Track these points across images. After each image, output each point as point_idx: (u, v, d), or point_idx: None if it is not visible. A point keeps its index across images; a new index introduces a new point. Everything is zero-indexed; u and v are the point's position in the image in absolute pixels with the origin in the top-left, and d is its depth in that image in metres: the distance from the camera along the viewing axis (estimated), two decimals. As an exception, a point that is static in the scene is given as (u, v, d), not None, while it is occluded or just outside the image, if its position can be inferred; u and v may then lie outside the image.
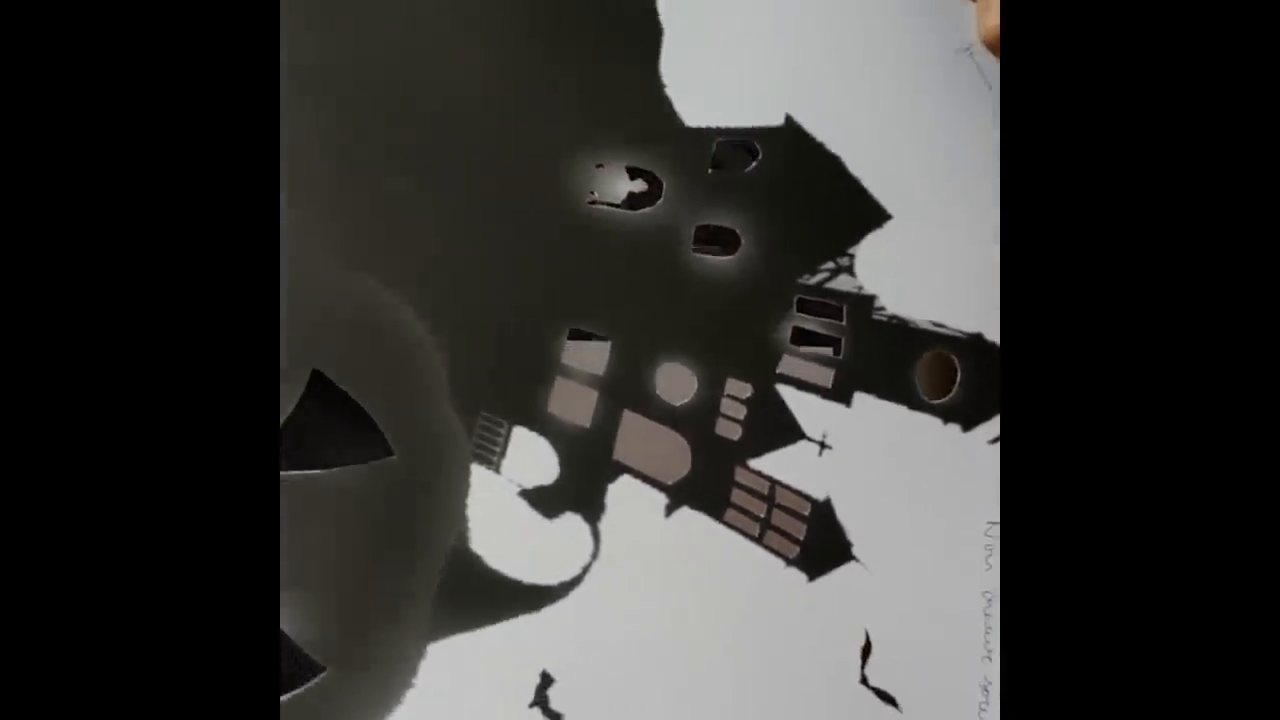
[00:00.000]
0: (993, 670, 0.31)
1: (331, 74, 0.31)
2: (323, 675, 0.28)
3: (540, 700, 0.29)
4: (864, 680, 0.30)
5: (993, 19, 0.34)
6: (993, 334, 0.33)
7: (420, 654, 0.28)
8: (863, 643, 0.31)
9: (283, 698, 0.27)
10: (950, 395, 0.32)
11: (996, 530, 0.32)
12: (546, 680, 0.29)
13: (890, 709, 0.30)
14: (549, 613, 0.29)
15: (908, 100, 0.33)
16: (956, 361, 0.32)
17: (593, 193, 0.32)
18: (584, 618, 0.29)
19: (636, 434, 0.31)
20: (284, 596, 0.28)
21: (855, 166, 0.33)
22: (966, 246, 0.33)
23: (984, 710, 0.31)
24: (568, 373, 0.31)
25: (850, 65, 0.33)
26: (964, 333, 0.33)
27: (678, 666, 0.29)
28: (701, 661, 0.30)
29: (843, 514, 0.31)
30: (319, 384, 0.30)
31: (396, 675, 0.28)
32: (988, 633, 0.31)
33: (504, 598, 0.29)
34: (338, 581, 0.29)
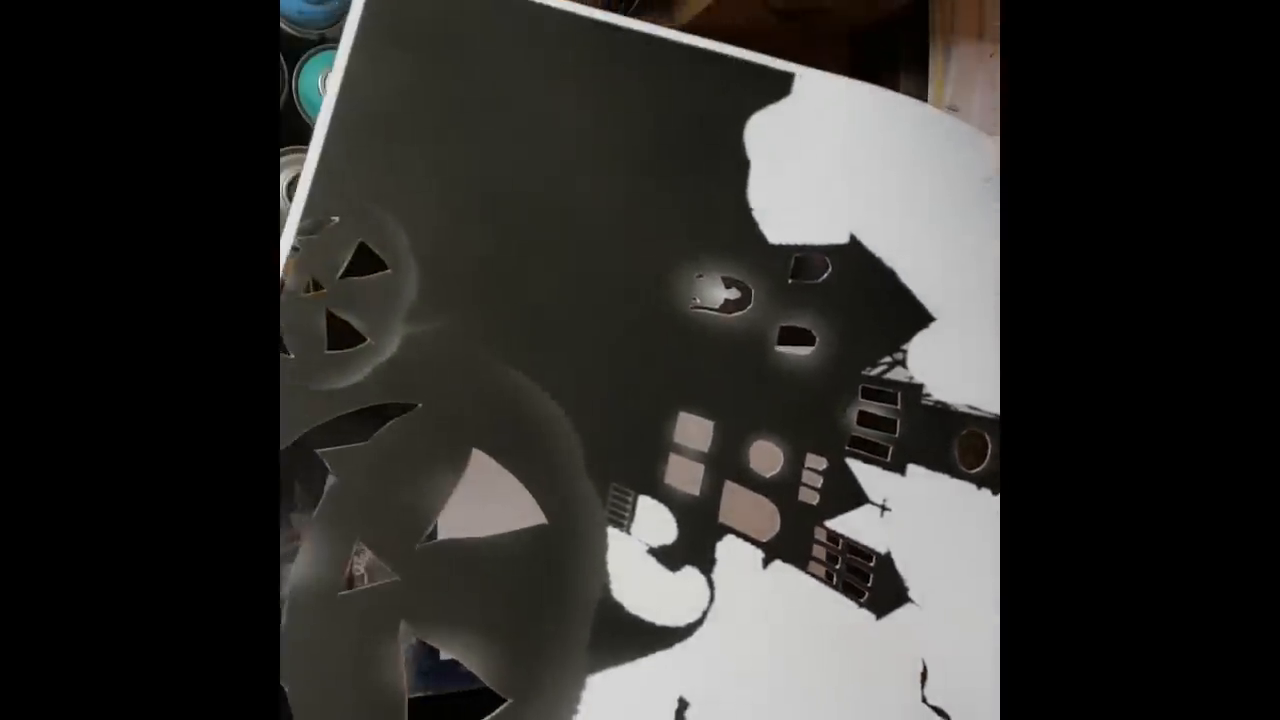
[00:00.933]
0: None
1: (495, 204, 0.38)
2: (505, 705, 0.34)
3: (678, 721, 0.35)
4: (924, 699, 0.38)
5: None
6: (1015, 415, 0.40)
7: (581, 685, 0.35)
8: (920, 667, 0.38)
9: None
10: (984, 465, 0.40)
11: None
12: (683, 704, 0.35)
13: (944, 722, 0.38)
14: (679, 649, 0.36)
15: (947, 220, 0.41)
16: (987, 438, 0.40)
17: (695, 298, 0.39)
18: (707, 652, 0.36)
19: (736, 500, 0.38)
20: (460, 640, 0.34)
21: (905, 276, 0.40)
22: (990, 339, 0.41)
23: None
24: (680, 450, 0.38)
25: (902, 191, 0.41)
26: (994, 414, 0.40)
27: (782, 687, 0.36)
28: (800, 681, 0.37)
29: (900, 565, 0.39)
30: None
31: (562, 703, 0.34)
32: (1017, 658, 0.39)
33: (643, 638, 0.36)
34: (506, 627, 0.35)
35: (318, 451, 0.35)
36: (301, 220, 0.37)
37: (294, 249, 0.37)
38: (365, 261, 0.37)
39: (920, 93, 0.51)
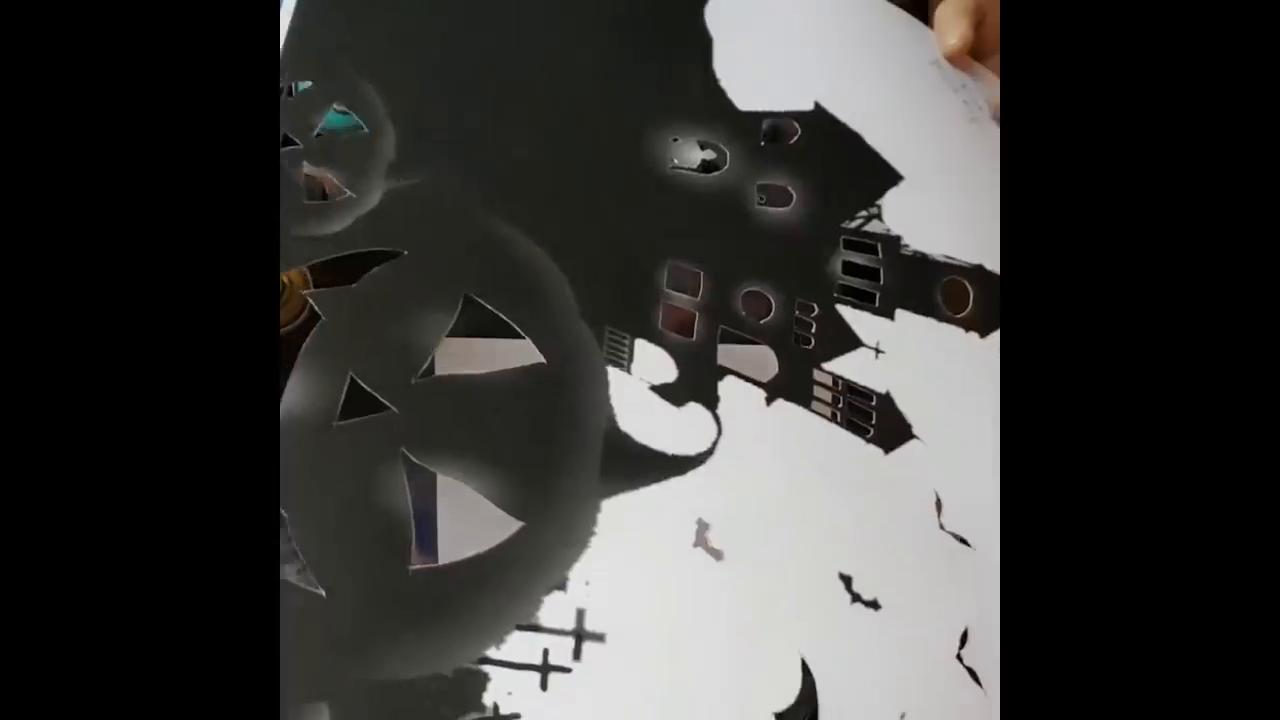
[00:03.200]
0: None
1: (471, 72, 0.38)
2: (521, 527, 0.32)
3: (702, 542, 0.33)
4: (941, 526, 0.37)
5: (949, 40, 0.44)
6: (991, 264, 0.41)
7: (596, 508, 0.33)
8: (934, 498, 0.37)
9: (487, 548, 0.31)
10: (967, 310, 0.40)
11: (1017, 413, 0.40)
12: (703, 525, 0.34)
13: (964, 547, 0.37)
14: (694, 475, 0.34)
15: (901, 94, 0.43)
16: (967, 285, 0.41)
17: (673, 159, 0.39)
18: (722, 478, 0.35)
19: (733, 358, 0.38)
20: (463, 465, 0.32)
21: (871, 140, 0.42)
22: (960, 198, 0.42)
23: (1035, 549, 0.37)
24: (671, 299, 0.38)
25: (856, 66, 0.43)
26: (970, 263, 0.41)
27: (800, 513, 0.35)
28: (816, 508, 0.35)
29: (900, 403, 0.39)
30: (470, 306, 0.36)
31: (580, 525, 0.32)
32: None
33: (655, 465, 0.34)
34: (511, 453, 0.33)
35: (310, 296, 0.34)
36: (283, 79, 0.36)
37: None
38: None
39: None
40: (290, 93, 0.37)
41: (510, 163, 0.37)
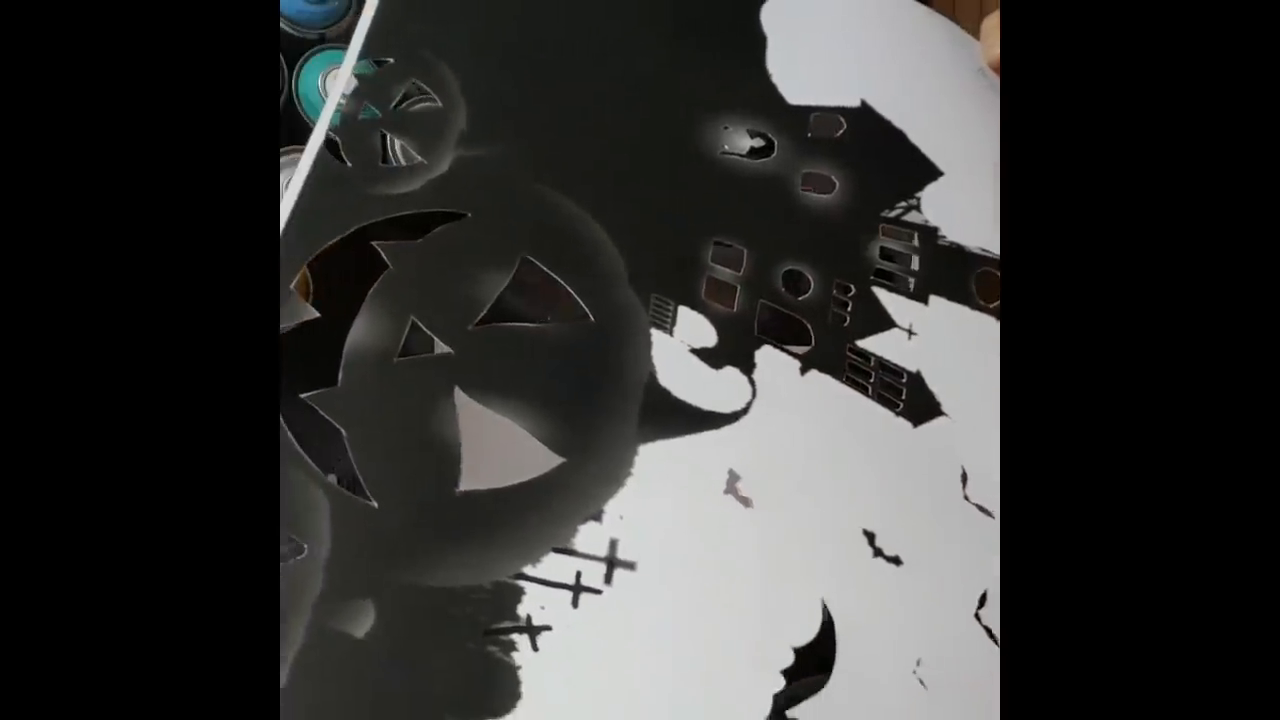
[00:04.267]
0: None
1: (542, 55, 0.41)
2: (562, 462, 0.34)
3: (732, 489, 0.35)
4: (966, 498, 0.38)
5: (991, 51, 0.46)
6: (1024, 260, 0.43)
7: (634, 451, 0.35)
8: (959, 470, 0.39)
9: (533, 477, 0.33)
10: (999, 301, 0.42)
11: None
12: (734, 476, 0.36)
13: (989, 519, 0.38)
14: (727, 430, 0.37)
15: (945, 96, 0.45)
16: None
17: (724, 146, 0.42)
18: (754, 435, 0.37)
19: (771, 316, 0.40)
20: (513, 405, 0.35)
21: (914, 137, 0.44)
22: (992, 195, 0.44)
23: (1056, 525, 0.39)
24: (716, 273, 0.40)
25: (905, 68, 0.45)
26: (1003, 258, 0.43)
27: (830, 474, 0.37)
28: (843, 469, 0.37)
29: (930, 382, 0.40)
30: (526, 267, 0.38)
31: (617, 466, 0.34)
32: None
33: (691, 418, 0.36)
34: (558, 396, 0.35)
35: (380, 246, 0.37)
36: (360, 53, 0.39)
37: (352, 82, 0.39)
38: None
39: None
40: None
41: (571, 140, 0.40)
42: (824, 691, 0.32)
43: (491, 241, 0.38)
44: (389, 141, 0.39)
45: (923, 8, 0.46)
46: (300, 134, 0.45)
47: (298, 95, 0.47)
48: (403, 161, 0.39)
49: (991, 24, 0.46)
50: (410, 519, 0.32)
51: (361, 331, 0.35)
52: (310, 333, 0.35)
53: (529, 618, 0.31)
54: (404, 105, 0.40)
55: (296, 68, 0.47)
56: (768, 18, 0.44)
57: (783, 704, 0.31)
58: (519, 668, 0.30)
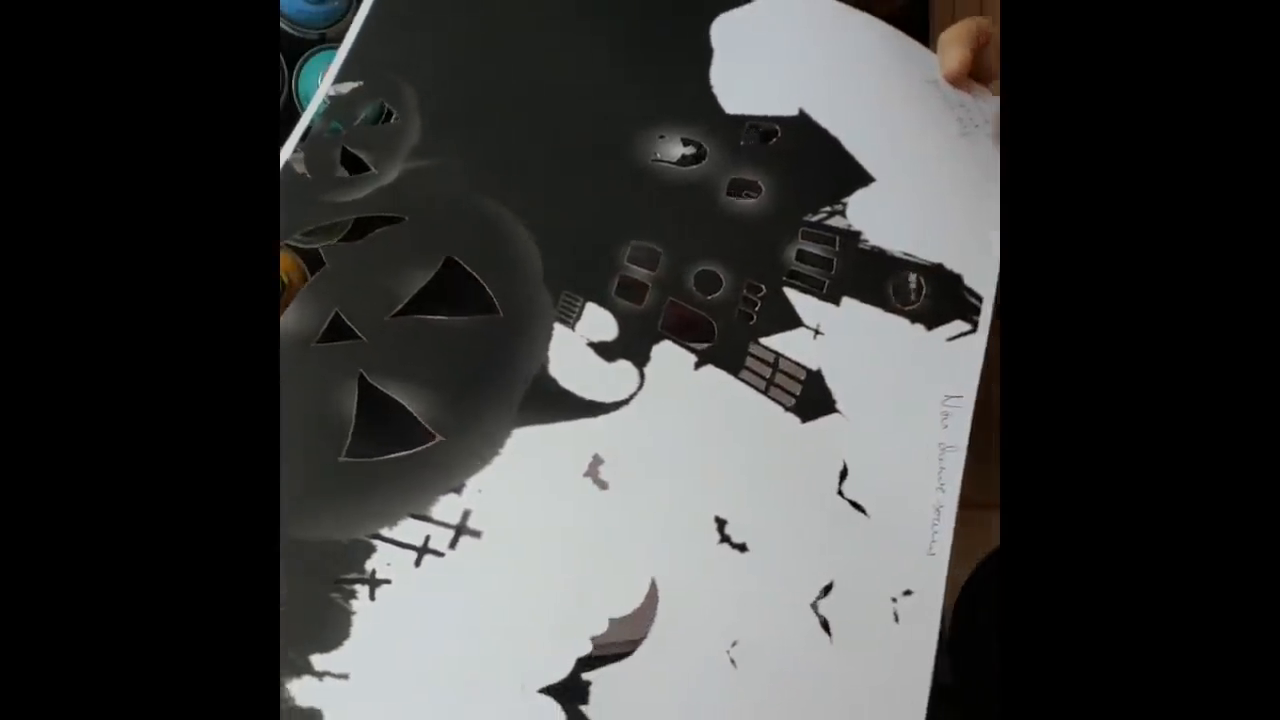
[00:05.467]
0: (944, 499, 0.40)
1: (494, 75, 0.45)
2: (436, 441, 0.38)
3: (591, 473, 0.39)
4: (840, 493, 0.40)
5: (948, 63, 0.47)
6: (951, 264, 0.44)
7: (506, 434, 0.39)
8: (840, 466, 0.40)
9: (406, 452, 0.38)
10: (917, 303, 0.43)
11: (952, 401, 0.42)
12: (598, 460, 0.39)
13: (861, 515, 0.39)
14: (602, 419, 0.40)
15: (891, 107, 0.46)
16: (922, 281, 0.43)
17: (656, 154, 0.45)
18: (628, 424, 0.40)
19: (677, 315, 0.42)
20: (408, 390, 0.39)
21: (849, 144, 0.45)
22: (932, 202, 0.45)
23: (936, 526, 0.40)
24: (631, 271, 0.43)
25: (848, 78, 0.46)
26: (929, 261, 0.44)
27: (698, 466, 0.39)
28: (710, 459, 0.39)
29: (829, 380, 0.42)
30: (451, 266, 0.43)
31: (487, 445, 0.38)
32: (941, 472, 0.40)
33: (574, 406, 0.40)
34: (448, 383, 0.40)
35: (321, 247, 0.42)
36: (335, 82, 0.45)
37: (325, 101, 0.45)
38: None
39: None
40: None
41: (511, 151, 0.44)
42: (628, 659, 0.35)
43: (419, 243, 0.42)
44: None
45: (878, 23, 0.47)
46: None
47: (298, 95, 0.50)
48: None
49: (945, 38, 0.46)
50: (298, 481, 0.37)
51: (291, 319, 0.40)
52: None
53: (373, 572, 0.36)
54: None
55: (296, 68, 0.50)
56: (717, 32, 0.47)
57: (583, 666, 0.34)
58: (354, 614, 0.35)
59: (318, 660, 0.33)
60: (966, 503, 0.54)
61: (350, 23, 0.47)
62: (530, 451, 0.38)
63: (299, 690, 0.32)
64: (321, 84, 0.46)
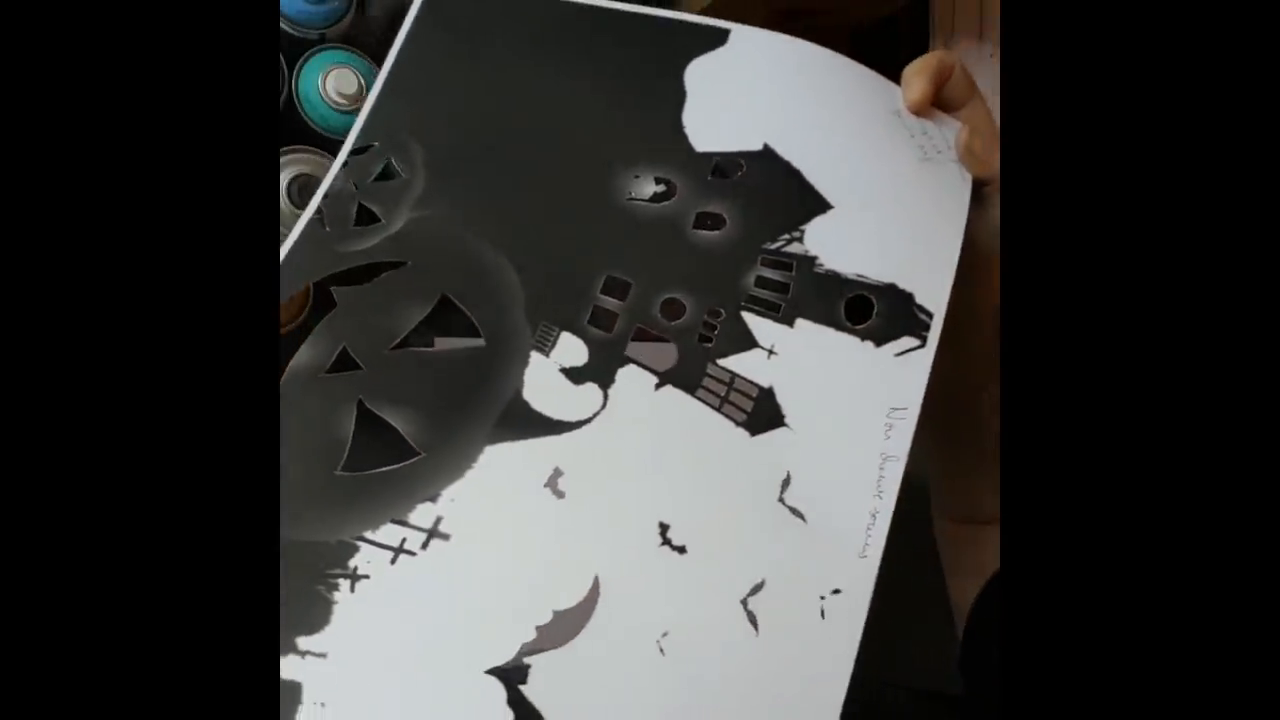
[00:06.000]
0: (880, 505, 0.43)
1: (492, 133, 0.51)
2: (419, 456, 0.44)
3: (551, 484, 0.43)
4: (781, 500, 0.43)
5: (910, 94, 0.50)
6: (903, 284, 0.47)
7: (480, 450, 0.44)
8: (784, 476, 0.44)
9: (385, 469, 0.44)
10: (868, 323, 0.46)
11: (897, 414, 0.45)
12: (558, 472, 0.44)
13: (799, 521, 0.43)
14: (568, 436, 0.45)
15: (852, 138, 0.50)
16: (874, 300, 0.46)
17: (630, 192, 0.50)
18: (588, 440, 0.44)
19: (643, 340, 0.47)
20: (398, 412, 0.45)
21: (810, 175, 0.49)
22: (888, 225, 0.48)
23: (870, 530, 0.43)
24: (603, 302, 0.48)
25: (812, 112, 0.50)
26: (882, 282, 0.47)
27: (643, 471, 0.44)
28: (660, 469, 0.44)
29: (781, 397, 0.45)
30: (444, 302, 0.49)
31: (462, 460, 0.44)
32: (880, 480, 0.44)
33: (543, 425, 0.45)
34: (432, 405, 0.45)
35: (334, 290, 0.49)
36: (354, 144, 0.52)
37: (344, 164, 0.52)
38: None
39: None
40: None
41: (502, 198, 0.50)
42: (565, 646, 0.39)
43: (418, 284, 0.49)
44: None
45: (842, 59, 0.51)
46: (300, 133, 0.49)
47: (298, 95, 0.52)
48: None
49: (909, 72, 0.49)
50: (299, 491, 0.43)
51: (305, 355, 0.47)
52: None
53: (355, 568, 0.41)
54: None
55: (296, 68, 0.52)
56: (690, 76, 0.51)
57: (526, 651, 0.39)
58: (335, 603, 0.41)
59: (301, 641, 0.39)
60: (976, 518, 0.56)
61: (350, 23, 0.52)
62: (499, 465, 0.43)
63: (283, 666, 0.38)
64: (342, 149, 0.52)
